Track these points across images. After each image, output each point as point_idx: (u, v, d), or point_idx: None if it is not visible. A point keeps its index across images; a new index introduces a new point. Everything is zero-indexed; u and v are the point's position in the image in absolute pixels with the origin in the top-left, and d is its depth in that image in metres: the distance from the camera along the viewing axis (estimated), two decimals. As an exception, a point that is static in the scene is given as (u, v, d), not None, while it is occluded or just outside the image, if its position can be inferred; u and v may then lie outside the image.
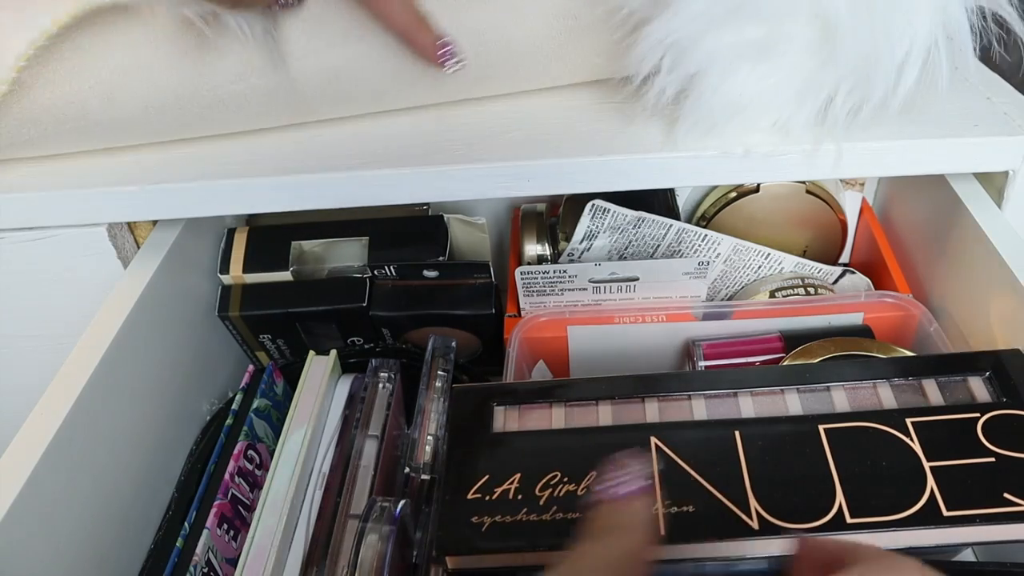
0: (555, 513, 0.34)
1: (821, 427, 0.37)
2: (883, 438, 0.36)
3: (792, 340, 0.49)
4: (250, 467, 0.46)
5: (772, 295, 0.54)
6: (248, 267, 0.55)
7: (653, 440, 0.37)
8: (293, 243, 0.55)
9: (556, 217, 0.59)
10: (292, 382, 0.50)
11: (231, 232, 0.56)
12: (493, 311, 0.55)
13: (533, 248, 0.58)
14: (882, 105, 0.41)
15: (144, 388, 0.46)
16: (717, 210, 0.56)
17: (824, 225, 0.57)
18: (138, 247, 0.50)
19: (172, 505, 0.47)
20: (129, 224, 0.49)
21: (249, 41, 0.41)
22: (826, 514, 0.33)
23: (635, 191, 0.45)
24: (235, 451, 0.45)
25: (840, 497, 0.34)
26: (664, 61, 0.40)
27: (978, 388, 0.38)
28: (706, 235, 0.53)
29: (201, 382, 0.54)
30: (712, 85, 0.40)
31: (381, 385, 0.46)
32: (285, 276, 0.55)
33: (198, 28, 0.40)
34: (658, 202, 0.57)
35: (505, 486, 0.36)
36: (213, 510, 0.42)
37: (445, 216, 0.56)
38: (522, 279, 0.52)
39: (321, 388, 0.47)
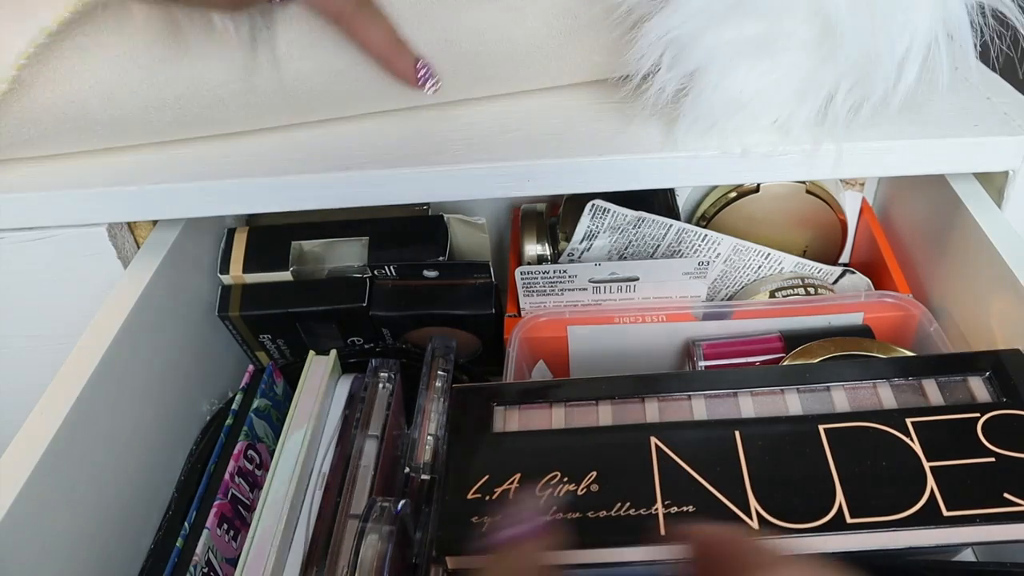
0: (555, 513, 0.35)
1: (821, 427, 0.37)
2: (883, 438, 0.36)
3: (792, 340, 0.49)
4: (250, 467, 0.46)
5: (772, 295, 0.54)
6: (248, 267, 0.55)
7: (653, 440, 0.37)
8: (293, 243, 0.55)
9: (556, 217, 0.59)
10: (292, 382, 0.50)
11: (231, 232, 0.56)
12: (493, 311, 0.55)
13: (533, 248, 0.58)
14: (883, 103, 0.41)
15: (144, 388, 0.46)
16: (717, 210, 0.56)
17: (824, 225, 0.57)
18: (138, 247, 0.50)
19: (172, 505, 0.47)
20: (129, 224, 0.49)
21: (248, 42, 0.41)
22: (826, 514, 0.33)
23: (635, 191, 0.45)
24: (235, 451, 0.45)
25: (840, 497, 0.34)
26: (664, 58, 0.40)
27: (978, 388, 0.38)
28: (706, 235, 0.53)
29: (201, 382, 0.54)
30: (712, 82, 0.40)
31: (381, 385, 0.46)
32: (285, 276, 0.55)
33: (188, 29, 0.40)
34: (658, 202, 0.57)
35: (505, 486, 0.36)
36: (213, 510, 0.42)
37: (445, 216, 0.56)
38: (522, 279, 0.52)
39: (321, 388, 0.47)
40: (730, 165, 0.43)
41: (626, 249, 0.54)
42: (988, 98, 0.46)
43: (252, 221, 0.60)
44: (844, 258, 0.61)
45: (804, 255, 0.56)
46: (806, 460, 0.35)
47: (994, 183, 0.47)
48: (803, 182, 0.54)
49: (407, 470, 0.40)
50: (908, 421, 0.36)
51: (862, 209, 0.60)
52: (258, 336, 0.57)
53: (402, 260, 0.54)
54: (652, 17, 0.39)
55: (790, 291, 0.54)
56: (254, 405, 0.48)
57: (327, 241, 0.56)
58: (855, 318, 0.50)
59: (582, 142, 0.44)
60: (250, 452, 0.46)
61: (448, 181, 0.44)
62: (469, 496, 0.36)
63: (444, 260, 0.55)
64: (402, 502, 0.37)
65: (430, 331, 0.55)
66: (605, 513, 0.34)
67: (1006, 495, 0.33)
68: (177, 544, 0.42)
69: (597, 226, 0.53)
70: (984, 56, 0.42)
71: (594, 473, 0.36)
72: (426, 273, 0.55)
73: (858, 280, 0.56)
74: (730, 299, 0.58)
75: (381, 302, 0.55)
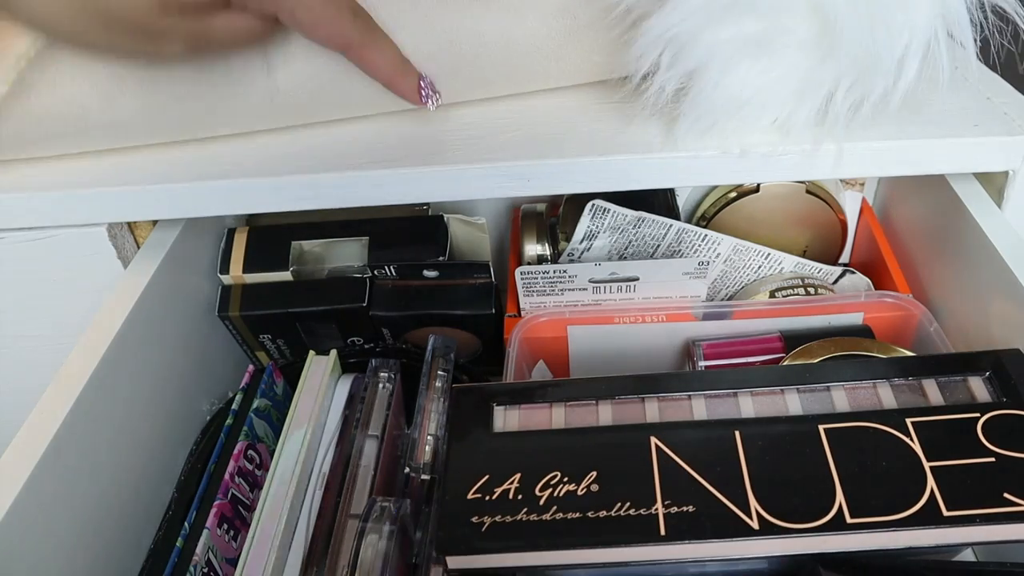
0: (555, 513, 0.35)
1: (821, 427, 0.37)
2: (883, 438, 0.36)
3: (792, 340, 0.49)
4: (250, 467, 0.46)
5: (772, 295, 0.54)
6: (248, 267, 0.55)
7: (653, 440, 0.37)
8: (293, 243, 0.55)
9: (556, 217, 0.59)
10: (292, 382, 0.50)
11: (231, 232, 0.56)
12: (493, 311, 0.55)
13: (533, 248, 0.58)
14: (883, 101, 0.41)
15: (144, 388, 0.46)
16: (717, 210, 0.56)
17: (824, 225, 0.57)
18: (138, 247, 0.50)
19: (172, 505, 0.47)
20: (129, 224, 0.49)
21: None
22: (826, 514, 0.33)
23: (635, 191, 0.45)
24: (235, 451, 0.45)
25: (840, 497, 0.34)
26: (663, 57, 0.40)
27: (978, 388, 0.38)
28: (706, 235, 0.53)
29: (201, 382, 0.54)
30: (712, 80, 0.40)
31: (381, 385, 0.46)
32: (285, 276, 0.55)
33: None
34: (658, 202, 0.57)
35: (505, 486, 0.36)
36: (213, 510, 0.42)
37: (445, 216, 0.56)
38: (522, 279, 0.52)
39: (321, 388, 0.47)
40: (730, 165, 0.43)
41: (626, 249, 0.54)
42: (988, 98, 0.46)
43: (252, 221, 0.60)
44: (844, 258, 0.61)
45: (804, 255, 0.56)
46: (806, 460, 0.35)
47: (994, 183, 0.47)
48: (803, 182, 0.54)
49: (407, 470, 0.40)
50: (908, 421, 0.36)
51: (862, 209, 0.60)
52: (258, 336, 0.57)
53: (402, 260, 0.54)
54: (651, 16, 0.39)
55: (790, 291, 0.54)
56: (254, 405, 0.48)
57: (327, 241, 0.56)
58: (855, 318, 0.50)
59: (582, 142, 0.44)
60: (250, 452, 0.46)
61: (448, 181, 0.44)
62: (469, 496, 0.36)
63: (444, 260, 0.55)
64: (402, 502, 0.37)
65: (430, 331, 0.54)
66: (605, 513, 0.34)
67: (1006, 495, 0.33)
68: (177, 544, 0.42)
69: (597, 226, 0.53)
70: (984, 54, 0.42)
71: (594, 473, 0.36)
72: (426, 273, 0.55)
73: (858, 280, 0.56)
74: (730, 299, 0.58)
75: (381, 302, 0.55)
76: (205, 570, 0.40)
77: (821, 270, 0.55)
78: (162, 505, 0.47)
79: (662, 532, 0.33)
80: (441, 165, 0.43)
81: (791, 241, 0.57)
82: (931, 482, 0.34)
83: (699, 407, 0.39)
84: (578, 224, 0.53)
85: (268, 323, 0.56)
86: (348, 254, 0.57)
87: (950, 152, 0.44)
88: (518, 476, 0.36)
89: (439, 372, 0.43)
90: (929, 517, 0.33)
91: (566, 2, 0.43)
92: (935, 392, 0.38)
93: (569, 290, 0.52)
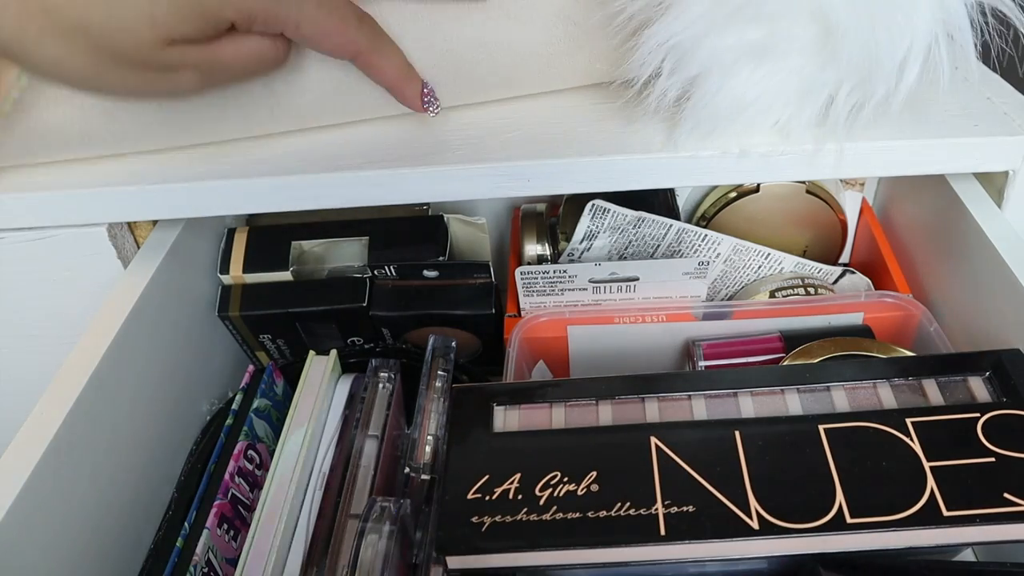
0: (555, 513, 0.35)
1: (821, 427, 0.37)
2: (883, 438, 0.36)
3: (792, 340, 0.49)
4: (250, 467, 0.46)
5: (772, 295, 0.54)
6: (248, 267, 0.55)
7: (653, 440, 0.37)
8: (293, 243, 0.55)
9: (556, 217, 0.59)
10: (292, 382, 0.50)
11: (231, 232, 0.56)
12: (493, 311, 0.55)
13: (533, 248, 0.58)
14: (884, 103, 0.41)
15: (144, 388, 0.46)
16: (717, 210, 0.56)
17: (824, 225, 0.57)
18: (138, 247, 0.50)
19: (172, 505, 0.47)
20: (129, 224, 0.49)
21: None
22: (826, 514, 0.33)
23: (635, 191, 0.45)
24: (235, 451, 0.45)
25: (840, 497, 0.34)
26: (665, 64, 0.40)
27: (978, 388, 0.38)
28: (706, 235, 0.53)
29: (201, 382, 0.54)
30: (714, 87, 0.40)
31: (381, 385, 0.46)
32: (285, 276, 0.55)
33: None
34: (658, 202, 0.57)
35: (505, 486, 0.36)
36: (213, 510, 0.42)
37: (445, 216, 0.56)
38: (522, 279, 0.52)
39: (321, 388, 0.47)
40: (730, 165, 0.43)
41: (626, 249, 0.54)
42: (988, 98, 0.46)
43: (252, 221, 0.60)
44: (844, 258, 0.61)
45: (804, 255, 0.56)
46: (806, 460, 0.35)
47: (994, 183, 0.47)
48: (803, 182, 0.54)
49: (407, 470, 0.40)
50: (908, 421, 0.36)
51: (862, 209, 0.60)
52: (258, 336, 0.57)
53: (402, 260, 0.54)
54: (653, 24, 0.39)
55: (790, 291, 0.54)
56: (254, 405, 0.48)
57: (327, 241, 0.56)
58: (855, 318, 0.50)
59: (582, 142, 0.44)
60: (250, 452, 0.46)
61: (448, 181, 0.44)
62: (469, 496, 0.36)
63: (444, 260, 0.55)
64: (402, 502, 0.37)
65: (430, 331, 0.54)
66: (605, 513, 0.34)
67: (1006, 495, 0.33)
68: (177, 544, 0.42)
69: (597, 226, 0.53)
70: (984, 55, 0.42)
71: (594, 473, 0.36)
72: (426, 273, 0.55)
73: (858, 280, 0.56)
74: (730, 299, 0.58)
75: (381, 302, 0.55)
76: (205, 570, 0.40)
77: (821, 270, 0.55)
78: (162, 505, 0.47)
79: (662, 532, 0.33)
80: (441, 165, 0.43)
81: (791, 241, 0.57)
82: (931, 482, 0.34)
83: (699, 407, 0.39)
84: (578, 224, 0.53)
85: (268, 323, 0.56)
86: (348, 254, 0.57)
87: (950, 152, 0.44)
88: (518, 476, 0.36)
89: (439, 372, 0.43)
90: (929, 517, 0.33)
91: (567, 9, 0.43)
92: (935, 392, 0.38)
93: (569, 290, 0.52)
